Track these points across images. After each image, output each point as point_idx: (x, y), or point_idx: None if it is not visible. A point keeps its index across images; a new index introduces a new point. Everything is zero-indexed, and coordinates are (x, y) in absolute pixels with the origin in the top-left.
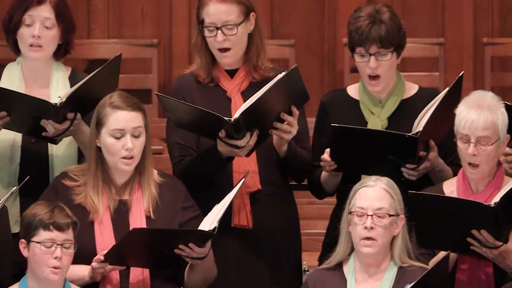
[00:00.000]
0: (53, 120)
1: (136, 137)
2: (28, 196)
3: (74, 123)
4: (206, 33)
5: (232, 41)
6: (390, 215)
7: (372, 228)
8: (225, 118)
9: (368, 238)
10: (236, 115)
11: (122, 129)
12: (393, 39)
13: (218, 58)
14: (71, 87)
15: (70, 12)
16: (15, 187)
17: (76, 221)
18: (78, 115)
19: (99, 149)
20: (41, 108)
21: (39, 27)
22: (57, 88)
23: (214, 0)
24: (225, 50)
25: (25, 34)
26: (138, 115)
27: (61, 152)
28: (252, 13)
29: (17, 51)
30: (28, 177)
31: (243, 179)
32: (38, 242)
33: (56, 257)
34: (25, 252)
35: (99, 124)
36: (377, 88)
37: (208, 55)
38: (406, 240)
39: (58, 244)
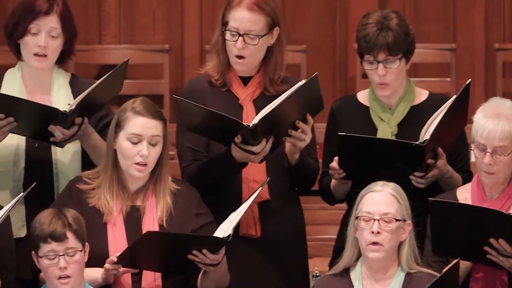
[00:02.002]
0: (61, 126)
1: (153, 145)
2: (33, 200)
3: (81, 128)
4: (228, 36)
5: (250, 50)
6: (397, 220)
7: (378, 232)
8: (243, 123)
9: (374, 243)
10: (254, 121)
11: (140, 135)
12: (401, 46)
13: (232, 63)
14: (72, 93)
15: (74, 19)
16: (21, 194)
17: (77, 228)
18: (86, 120)
19: (115, 152)
20: (50, 115)
21: (45, 37)
22: (58, 93)
23: (243, 6)
24: (242, 57)
25: (30, 43)
26: (158, 124)
27: (66, 160)
28: (277, 28)
29: (19, 56)
30: (35, 183)
31: (261, 187)
32: (40, 256)
33: (60, 268)
34: (39, 265)
35: (118, 127)
36: (385, 92)
37: (226, 56)
38: (413, 246)
39: (60, 255)
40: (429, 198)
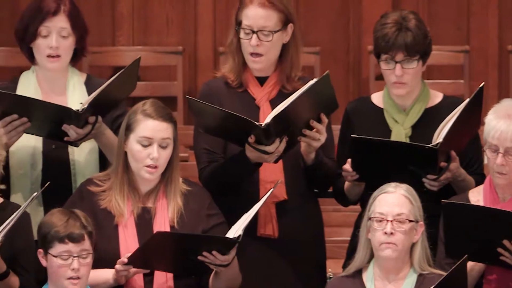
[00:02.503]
0: (75, 125)
1: (163, 147)
2: (52, 204)
3: (95, 127)
4: (242, 35)
5: (265, 47)
6: (410, 221)
7: (392, 233)
8: (256, 122)
9: (388, 243)
10: (267, 120)
11: (150, 138)
12: (419, 47)
13: (248, 62)
14: (87, 93)
15: (83, 17)
16: (35, 193)
17: (91, 230)
18: (99, 118)
19: (126, 154)
20: (63, 114)
21: (56, 38)
22: (74, 94)
23: (255, 3)
24: (257, 55)
25: (42, 45)
26: (169, 126)
27: (82, 159)
28: (291, 24)
29: (32, 59)
30: (49, 182)
31: (272, 189)
32: (54, 256)
33: (73, 269)
34: (43, 262)
35: (128, 130)
36: (401, 91)
37: (241, 57)
38: (425, 247)
39: (74, 256)
40: (442, 200)
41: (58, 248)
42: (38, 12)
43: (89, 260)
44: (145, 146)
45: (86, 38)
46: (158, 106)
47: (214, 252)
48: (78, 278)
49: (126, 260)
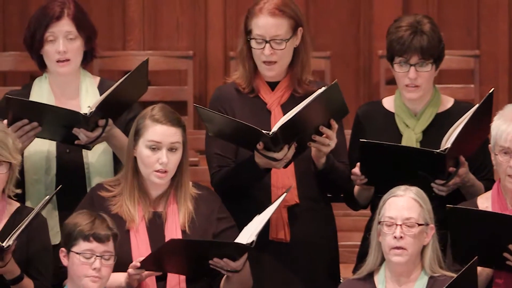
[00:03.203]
0: (84, 129)
1: (173, 152)
2: (66, 207)
3: (106, 129)
4: (254, 45)
5: (279, 55)
6: (419, 225)
7: (401, 237)
8: (263, 131)
9: (398, 248)
10: (274, 128)
11: (159, 142)
12: (433, 50)
13: (262, 70)
14: (100, 96)
15: (89, 18)
16: (47, 197)
17: (117, 233)
18: (110, 121)
19: (135, 159)
20: (71, 118)
21: (63, 42)
22: (87, 98)
23: (265, 12)
24: (270, 63)
25: (50, 51)
26: (177, 131)
27: (96, 161)
28: (300, 28)
29: (43, 67)
30: (61, 186)
31: (284, 194)
32: (77, 253)
33: (94, 268)
34: (65, 261)
35: (137, 135)
36: (414, 94)
37: (252, 64)
38: (436, 249)
39: (97, 256)
40: (447, 205)
41: (82, 246)
42: (43, 19)
43: (111, 262)
44: (154, 151)
45: (94, 39)
46: (167, 110)
47: (225, 259)
48: (98, 278)
49: (138, 264)
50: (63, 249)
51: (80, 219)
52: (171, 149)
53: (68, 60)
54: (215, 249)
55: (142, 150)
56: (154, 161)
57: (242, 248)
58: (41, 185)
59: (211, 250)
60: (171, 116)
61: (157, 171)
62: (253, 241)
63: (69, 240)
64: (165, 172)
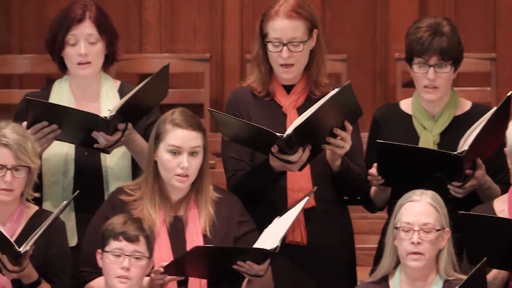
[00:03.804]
0: (104, 132)
1: (193, 156)
2: (84, 210)
3: (125, 134)
4: (271, 48)
5: (296, 57)
6: (436, 230)
7: (419, 243)
8: (277, 134)
9: (415, 253)
10: (288, 131)
11: (180, 147)
12: (453, 52)
13: (278, 73)
14: (120, 100)
15: (110, 21)
16: (65, 202)
17: (149, 235)
18: (129, 125)
19: (156, 163)
20: (91, 121)
21: (84, 45)
22: (107, 101)
23: (281, 15)
24: (287, 65)
25: (71, 54)
26: (198, 135)
27: (114, 165)
28: (315, 30)
29: (63, 69)
30: (78, 191)
31: (307, 197)
32: (108, 252)
33: (123, 268)
34: (100, 262)
35: (158, 139)
36: (433, 96)
37: (268, 67)
38: (451, 253)
39: (126, 255)
40: (460, 212)
41: (112, 244)
42: (64, 21)
43: (143, 263)
44: (175, 155)
45: (116, 43)
46: (187, 115)
47: (249, 262)
48: (127, 278)
49: (162, 269)
50: (99, 250)
51: (115, 219)
52: (192, 153)
53: (89, 62)
54: (239, 255)
55: (163, 155)
56: (175, 166)
57: (266, 253)
58: (59, 187)
59: (234, 256)
60: (191, 120)
61: (178, 175)
62: (277, 246)
63: (102, 240)
64: (186, 176)
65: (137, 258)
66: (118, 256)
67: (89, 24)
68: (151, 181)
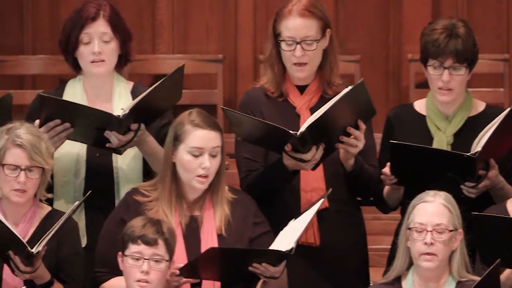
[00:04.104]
0: (116, 132)
1: (213, 156)
2: (94, 210)
3: (138, 134)
4: (284, 47)
5: (309, 56)
6: (449, 231)
7: (432, 244)
8: (290, 131)
9: (428, 254)
10: (302, 128)
11: (202, 148)
12: (468, 54)
13: (292, 72)
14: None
15: (124, 22)
16: (77, 202)
17: (168, 238)
18: (142, 126)
19: (173, 165)
20: (104, 120)
21: (98, 43)
22: (119, 102)
23: (294, 14)
24: (301, 64)
25: (85, 52)
26: (217, 135)
27: (126, 166)
28: (328, 30)
29: (77, 69)
30: (90, 191)
31: (322, 199)
32: (127, 255)
33: (142, 271)
34: (121, 265)
35: (177, 140)
36: (447, 98)
37: (281, 67)
38: (464, 254)
39: (145, 259)
40: (473, 213)
41: (131, 248)
42: (78, 20)
43: (162, 266)
44: (195, 156)
45: (129, 43)
46: (205, 115)
47: (264, 264)
48: (147, 282)
49: (177, 272)
50: (120, 253)
51: (135, 222)
52: (212, 153)
53: (102, 61)
54: (254, 256)
55: (183, 156)
56: (196, 166)
57: (281, 255)
58: (69, 187)
59: (249, 257)
60: (210, 121)
61: (199, 176)
62: (292, 248)
63: (123, 244)
64: (206, 176)
65: (156, 261)
66: (137, 259)
67: (103, 22)
68: (169, 182)
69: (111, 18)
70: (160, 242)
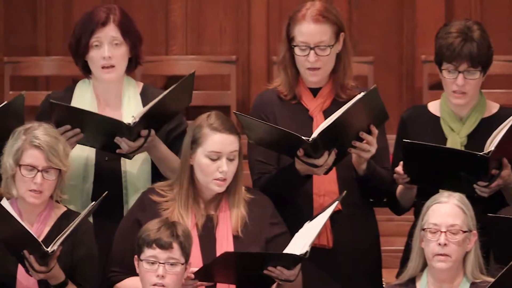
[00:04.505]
0: (127, 138)
1: (231, 160)
2: (102, 215)
3: (148, 140)
4: (297, 52)
5: (323, 61)
6: (463, 232)
7: (445, 244)
8: (302, 137)
9: (441, 255)
10: (314, 134)
11: (220, 152)
12: (483, 58)
13: (305, 76)
14: (142, 104)
15: (134, 25)
16: (93, 203)
17: (183, 242)
18: (152, 132)
19: (191, 167)
20: (115, 127)
21: (108, 48)
22: (129, 105)
23: (308, 19)
24: (315, 69)
25: (95, 57)
26: (235, 139)
27: (135, 171)
28: (342, 33)
29: (87, 73)
30: (106, 192)
31: (336, 202)
32: (142, 260)
33: (158, 275)
34: (137, 269)
35: (195, 144)
36: (461, 101)
37: (294, 70)
38: (478, 255)
39: (161, 263)
40: (488, 214)
41: (146, 252)
42: (88, 24)
43: (178, 269)
44: (213, 160)
45: (140, 46)
46: (224, 119)
47: (279, 267)
48: (163, 286)
49: (192, 275)
50: (136, 256)
51: (150, 225)
52: (230, 157)
53: (113, 66)
54: (269, 260)
55: (201, 159)
56: (214, 170)
57: (296, 259)
58: (77, 191)
59: (264, 261)
60: (228, 124)
61: (217, 179)
62: (307, 252)
63: (139, 248)
64: (224, 180)
65: (171, 264)
66: (152, 263)
67: (113, 27)
68: (186, 184)
69: (121, 23)
70: (175, 246)
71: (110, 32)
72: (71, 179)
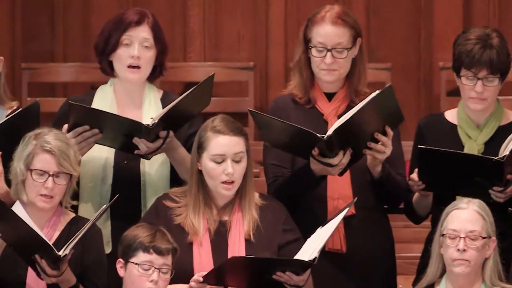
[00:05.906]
0: (145, 139)
1: (237, 162)
2: (119, 217)
3: (166, 141)
4: (314, 53)
5: (339, 64)
6: (482, 238)
7: (464, 250)
8: (317, 134)
9: (461, 260)
10: (329, 132)
11: (223, 154)
12: (502, 65)
13: (321, 76)
14: (162, 108)
15: (164, 33)
16: (104, 206)
17: (177, 248)
18: (171, 133)
19: (200, 172)
20: (134, 128)
21: (138, 48)
22: (149, 109)
23: (327, 21)
24: (330, 70)
25: (123, 55)
26: (240, 140)
27: (153, 173)
28: (359, 39)
29: (110, 73)
30: (118, 195)
31: (347, 208)
32: (136, 264)
33: (152, 280)
34: (121, 272)
35: (201, 148)
36: (479, 106)
37: (309, 73)
38: (497, 262)
39: (156, 268)
40: (509, 209)
41: (141, 257)
42: (121, 23)
43: (168, 277)
44: (219, 163)
45: (165, 55)
46: (228, 121)
47: (288, 273)
48: None
49: (201, 279)
50: (120, 259)
51: (140, 231)
52: (236, 159)
53: (139, 67)
54: (278, 265)
55: (207, 163)
56: (220, 173)
57: (304, 264)
58: (95, 193)
59: (272, 266)
60: (232, 126)
61: (224, 182)
62: (315, 258)
63: (128, 251)
64: (232, 182)
65: (164, 272)
66: (147, 269)
67: (146, 28)
68: (195, 190)
69: (154, 26)
70: (170, 253)
71: (142, 33)
72: (90, 181)
